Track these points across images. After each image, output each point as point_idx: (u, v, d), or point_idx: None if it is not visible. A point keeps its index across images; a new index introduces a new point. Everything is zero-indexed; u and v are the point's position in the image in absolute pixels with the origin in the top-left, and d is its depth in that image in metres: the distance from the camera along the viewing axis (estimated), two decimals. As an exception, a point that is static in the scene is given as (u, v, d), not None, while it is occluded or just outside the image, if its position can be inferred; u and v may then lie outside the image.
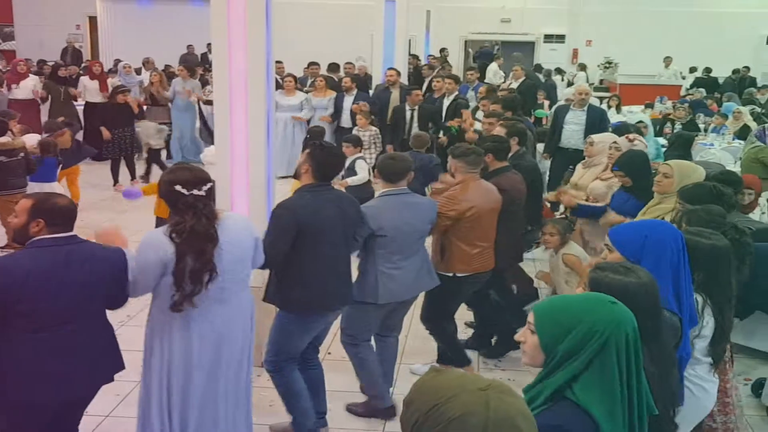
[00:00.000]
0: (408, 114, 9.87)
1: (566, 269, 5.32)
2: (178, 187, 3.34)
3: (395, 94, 10.86)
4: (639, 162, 5.31)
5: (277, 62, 13.42)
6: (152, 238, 3.38)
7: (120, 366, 3.54)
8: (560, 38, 20.88)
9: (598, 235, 5.45)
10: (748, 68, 18.58)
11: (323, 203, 4.04)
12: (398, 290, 4.49)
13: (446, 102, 10.19)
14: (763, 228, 5.90)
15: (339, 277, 4.17)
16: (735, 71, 18.32)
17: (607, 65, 18.94)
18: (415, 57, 15.72)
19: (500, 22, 20.84)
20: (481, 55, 20.51)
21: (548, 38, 20.94)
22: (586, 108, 8.52)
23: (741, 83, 17.34)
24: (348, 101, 10.96)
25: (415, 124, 9.80)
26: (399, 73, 11.30)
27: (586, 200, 5.80)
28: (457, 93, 10.34)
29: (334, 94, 11.32)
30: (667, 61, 18.84)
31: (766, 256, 4.45)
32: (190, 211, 3.32)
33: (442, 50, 18.75)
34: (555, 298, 2.26)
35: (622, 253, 2.89)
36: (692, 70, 18.53)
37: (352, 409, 4.76)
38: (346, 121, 11.03)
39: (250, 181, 5.07)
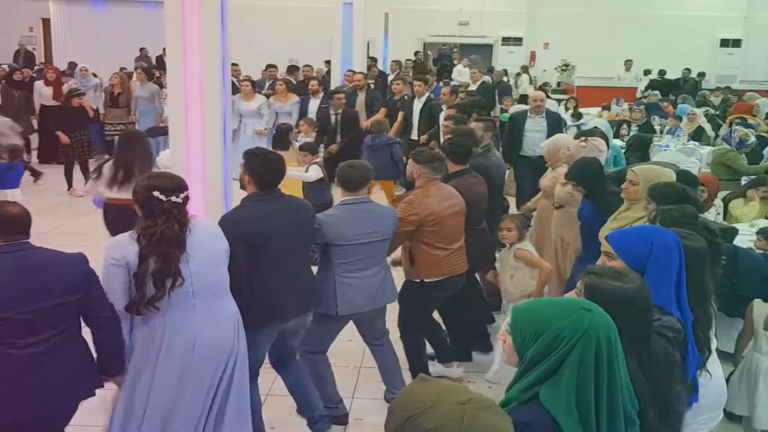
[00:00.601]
0: (332, 118, 9.82)
1: (513, 264, 5.28)
2: (156, 193, 3.33)
3: (361, 98, 10.85)
4: (591, 170, 5.22)
5: (234, 65, 13.33)
6: (115, 243, 3.37)
7: (100, 381, 3.45)
8: (518, 41, 21.04)
9: (568, 226, 5.53)
10: (703, 74, 18.89)
11: (270, 212, 3.93)
12: (359, 301, 4.40)
13: (418, 104, 10.19)
14: (727, 227, 6.00)
15: (294, 286, 4.05)
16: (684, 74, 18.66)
17: (564, 68, 19.13)
18: (374, 60, 15.75)
19: (458, 25, 20.92)
20: (440, 57, 20.59)
21: (506, 41, 21.08)
22: (544, 114, 8.45)
23: (686, 84, 17.61)
24: (314, 104, 10.62)
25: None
26: (366, 76, 11.25)
27: (555, 206, 5.82)
28: (429, 95, 10.34)
29: (296, 97, 10.96)
30: (628, 64, 19.10)
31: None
32: (163, 216, 3.31)
33: (417, 53, 18.84)
34: (533, 301, 2.25)
35: (626, 261, 2.80)
36: (647, 72, 18.80)
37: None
38: None
39: (206, 185, 4.97)
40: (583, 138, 5.98)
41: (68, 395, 3.33)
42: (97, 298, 3.31)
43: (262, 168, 3.98)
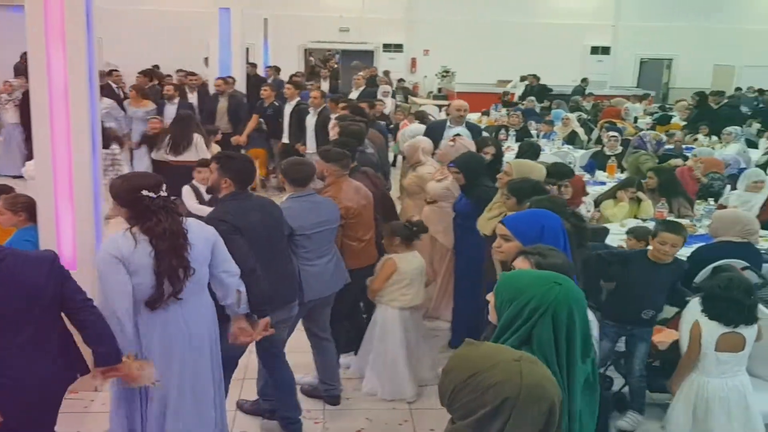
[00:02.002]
0: None
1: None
2: (145, 192, 3.39)
3: (223, 103, 10.91)
4: (475, 164, 5.67)
5: (114, 71, 13.03)
6: (110, 241, 3.42)
7: (84, 369, 3.51)
8: (398, 47, 21.23)
9: (438, 221, 5.91)
10: (586, 79, 19.58)
11: (248, 210, 4.15)
12: (320, 287, 4.71)
13: (288, 108, 10.27)
14: (598, 228, 6.19)
15: (277, 279, 4.24)
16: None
17: (445, 74, 19.45)
18: (253, 65, 15.59)
19: (339, 31, 20.92)
20: (319, 63, 20.55)
21: (387, 47, 21.24)
22: (464, 125, 8.21)
23: (575, 91, 18.27)
24: (171, 110, 10.30)
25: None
26: (227, 81, 11.18)
27: (427, 201, 6.13)
28: (299, 99, 10.41)
29: (149, 103, 10.57)
30: (529, 78, 19.60)
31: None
32: (161, 212, 3.40)
33: (311, 58, 18.68)
34: (518, 270, 2.54)
35: (522, 242, 3.03)
36: (523, 78, 19.33)
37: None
38: None
39: (74, 194, 4.84)
40: (452, 138, 6.34)
41: (47, 387, 3.36)
42: (72, 292, 3.34)
43: (241, 168, 4.19)
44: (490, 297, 2.40)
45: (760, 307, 4.43)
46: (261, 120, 10.69)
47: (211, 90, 11.57)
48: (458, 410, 1.77)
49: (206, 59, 14.09)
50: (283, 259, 4.41)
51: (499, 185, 5.05)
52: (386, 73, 18.31)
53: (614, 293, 4.85)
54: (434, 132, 8.05)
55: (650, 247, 4.85)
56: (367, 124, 7.37)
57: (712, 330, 4.03)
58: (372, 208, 5.34)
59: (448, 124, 8.23)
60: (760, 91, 17.07)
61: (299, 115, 10.05)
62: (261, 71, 16.36)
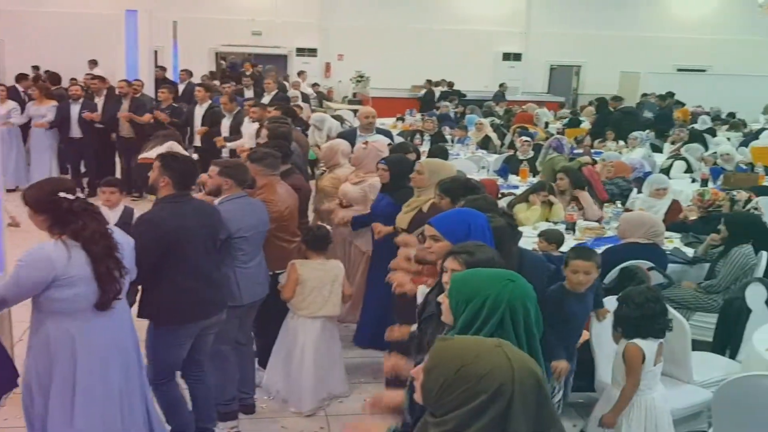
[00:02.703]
0: None
1: None
2: (62, 194, 3.27)
3: (125, 105, 10.69)
4: (404, 165, 5.69)
5: (22, 75, 12.74)
6: (39, 249, 3.27)
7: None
8: (312, 52, 21.08)
9: (359, 236, 5.89)
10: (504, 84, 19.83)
11: (186, 213, 4.05)
12: (256, 289, 4.70)
13: (199, 110, 10.28)
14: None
15: (211, 284, 4.19)
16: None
17: (359, 79, 19.44)
18: (162, 68, 15.26)
19: (251, 35, 20.63)
20: (231, 67, 20.24)
21: (300, 51, 21.05)
22: (374, 132, 8.03)
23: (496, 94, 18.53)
24: (75, 110, 10.70)
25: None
26: (131, 84, 10.98)
27: (341, 204, 6.08)
28: (210, 102, 10.40)
29: (52, 102, 10.92)
30: (447, 84, 19.75)
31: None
32: (84, 214, 3.29)
33: (224, 61, 18.33)
34: (469, 270, 2.56)
35: (451, 241, 3.09)
36: (437, 84, 19.51)
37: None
38: (75, 131, 10.76)
39: None
40: (364, 142, 6.37)
41: None
42: None
43: (183, 169, 4.09)
44: (442, 299, 2.46)
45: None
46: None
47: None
48: (449, 404, 1.76)
49: (93, 61, 13.87)
50: (216, 264, 4.32)
51: (414, 184, 5.22)
52: (300, 73, 18.25)
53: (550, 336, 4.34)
54: (346, 140, 7.87)
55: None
56: (290, 124, 7.29)
57: (649, 348, 3.98)
58: (298, 208, 5.37)
59: (358, 132, 8.09)
60: (662, 97, 17.64)
61: (213, 118, 10.02)
62: (172, 75, 16.02)
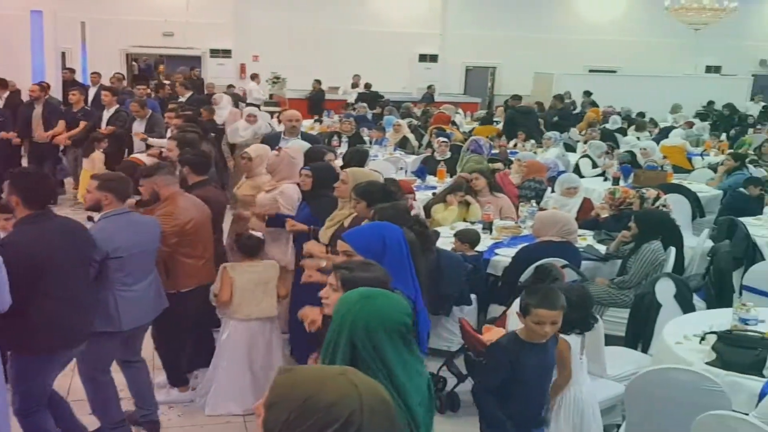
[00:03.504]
0: None
1: None
2: None
3: (38, 110, 10.32)
4: (329, 173, 5.50)
5: None
6: None
7: None
8: (227, 53, 20.72)
9: (272, 244, 5.61)
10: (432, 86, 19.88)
11: (49, 234, 3.78)
12: (139, 314, 4.38)
13: (106, 114, 9.98)
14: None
15: (81, 309, 3.96)
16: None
17: (276, 80, 19.20)
18: (71, 70, 14.76)
19: (163, 36, 20.13)
20: (145, 69, 19.75)
21: (215, 53, 20.65)
22: (299, 136, 7.86)
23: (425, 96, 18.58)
24: None
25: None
26: (43, 87, 10.55)
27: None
28: (118, 106, 10.11)
29: None
30: (355, 78, 19.65)
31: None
32: None
33: (136, 62, 17.78)
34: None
35: (365, 257, 3.00)
36: (354, 85, 19.48)
37: None
38: None
39: None
40: (278, 148, 6.15)
41: None
42: None
43: (34, 186, 3.81)
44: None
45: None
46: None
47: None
48: None
49: None
50: (86, 289, 4.03)
51: (337, 195, 5.00)
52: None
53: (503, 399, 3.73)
54: (269, 145, 7.56)
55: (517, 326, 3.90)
56: (199, 134, 7.11)
57: (575, 343, 4.01)
58: (210, 222, 5.09)
59: (282, 136, 7.91)
60: (559, 98, 17.91)
61: (119, 123, 9.76)
62: (81, 77, 15.52)
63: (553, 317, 3.57)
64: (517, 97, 16.56)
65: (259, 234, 5.38)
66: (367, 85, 18.68)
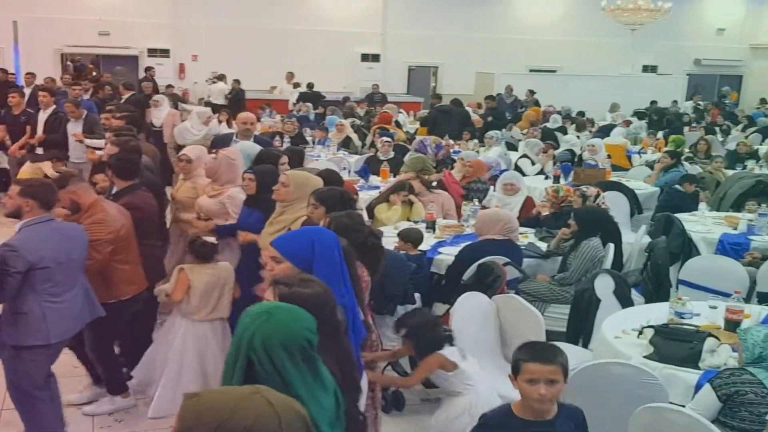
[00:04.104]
0: None
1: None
2: None
3: None
4: (269, 175, 5.40)
5: None
6: None
7: None
8: (165, 52, 20.35)
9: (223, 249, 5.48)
10: (377, 85, 19.84)
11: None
12: (69, 325, 4.26)
13: (43, 115, 9.60)
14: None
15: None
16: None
17: (216, 80, 18.98)
18: (3, 71, 14.35)
19: (99, 35, 19.66)
20: (79, 68, 19.29)
21: (152, 52, 20.26)
22: (252, 139, 7.55)
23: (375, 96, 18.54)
24: None
25: None
26: None
27: (199, 217, 5.74)
28: (55, 107, 9.73)
29: None
30: (289, 76, 19.48)
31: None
32: None
33: (73, 61, 17.32)
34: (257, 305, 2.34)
35: (293, 263, 2.94)
36: (296, 85, 19.34)
37: None
38: None
39: None
40: (215, 150, 5.99)
41: None
42: None
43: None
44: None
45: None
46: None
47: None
48: None
49: None
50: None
51: (276, 198, 4.87)
52: (147, 69, 17.62)
53: None
54: (220, 146, 7.24)
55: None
56: (134, 135, 6.92)
57: (451, 353, 4.18)
58: (132, 227, 4.94)
59: (235, 138, 7.59)
60: (490, 98, 18.00)
61: (55, 124, 9.42)
62: (15, 78, 15.09)
63: (550, 373, 2.88)
64: (437, 96, 16.78)
65: (212, 239, 5.26)
66: (310, 85, 18.55)
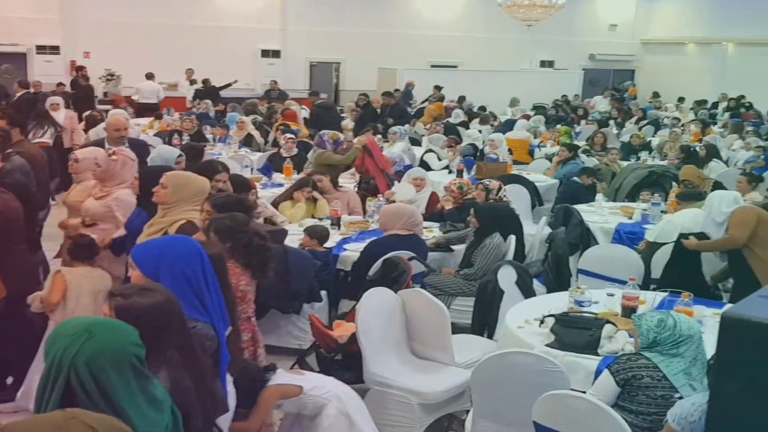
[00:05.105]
0: None
1: None
2: None
3: None
4: (152, 174, 4.98)
5: None
6: None
7: None
8: (54, 49, 19.48)
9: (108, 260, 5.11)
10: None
11: None
12: None
13: None
14: (277, 229, 6.14)
15: None
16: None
17: (110, 77, 18.35)
18: None
19: (-18, 31, 18.67)
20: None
21: (41, 49, 19.36)
22: (126, 145, 6.81)
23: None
24: None
25: None
26: None
27: (83, 222, 5.31)
28: None
29: None
30: (189, 73, 19.01)
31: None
32: None
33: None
34: (69, 319, 2.22)
35: (142, 271, 2.83)
36: (193, 82, 18.88)
37: None
38: None
39: None
40: (112, 151, 5.59)
41: None
42: None
43: None
44: None
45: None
46: None
47: None
48: None
49: None
50: None
51: (156, 200, 4.54)
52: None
53: None
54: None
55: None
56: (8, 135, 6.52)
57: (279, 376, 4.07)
58: None
59: (106, 145, 6.83)
60: (388, 94, 18.11)
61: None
62: None
63: None
64: (315, 93, 16.83)
65: (92, 236, 5.02)
66: (205, 81, 18.08)
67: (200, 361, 2.51)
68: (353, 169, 8.92)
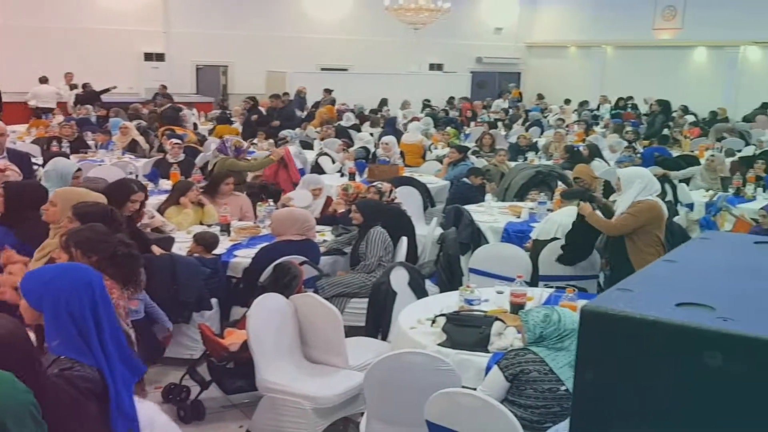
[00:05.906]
0: None
1: None
2: None
3: None
4: (27, 192, 4.84)
5: None
6: None
7: None
8: None
9: None
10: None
11: None
12: None
13: None
14: (161, 237, 5.97)
15: None
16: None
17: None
18: None
19: None
20: None
21: None
22: (4, 153, 6.64)
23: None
24: None
25: None
26: None
27: None
28: None
29: None
30: (68, 77, 18.25)
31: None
32: None
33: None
34: None
35: (29, 303, 2.54)
36: (73, 87, 18.15)
37: None
38: None
39: None
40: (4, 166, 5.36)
41: None
42: None
43: None
44: None
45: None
46: None
47: None
48: None
49: None
50: None
51: (46, 219, 4.28)
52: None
53: None
54: None
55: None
56: None
57: None
58: None
59: None
60: (276, 96, 18.04)
61: None
62: None
63: None
64: (276, 96, 16.63)
65: None
66: (85, 85, 17.39)
67: (61, 401, 2.26)
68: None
